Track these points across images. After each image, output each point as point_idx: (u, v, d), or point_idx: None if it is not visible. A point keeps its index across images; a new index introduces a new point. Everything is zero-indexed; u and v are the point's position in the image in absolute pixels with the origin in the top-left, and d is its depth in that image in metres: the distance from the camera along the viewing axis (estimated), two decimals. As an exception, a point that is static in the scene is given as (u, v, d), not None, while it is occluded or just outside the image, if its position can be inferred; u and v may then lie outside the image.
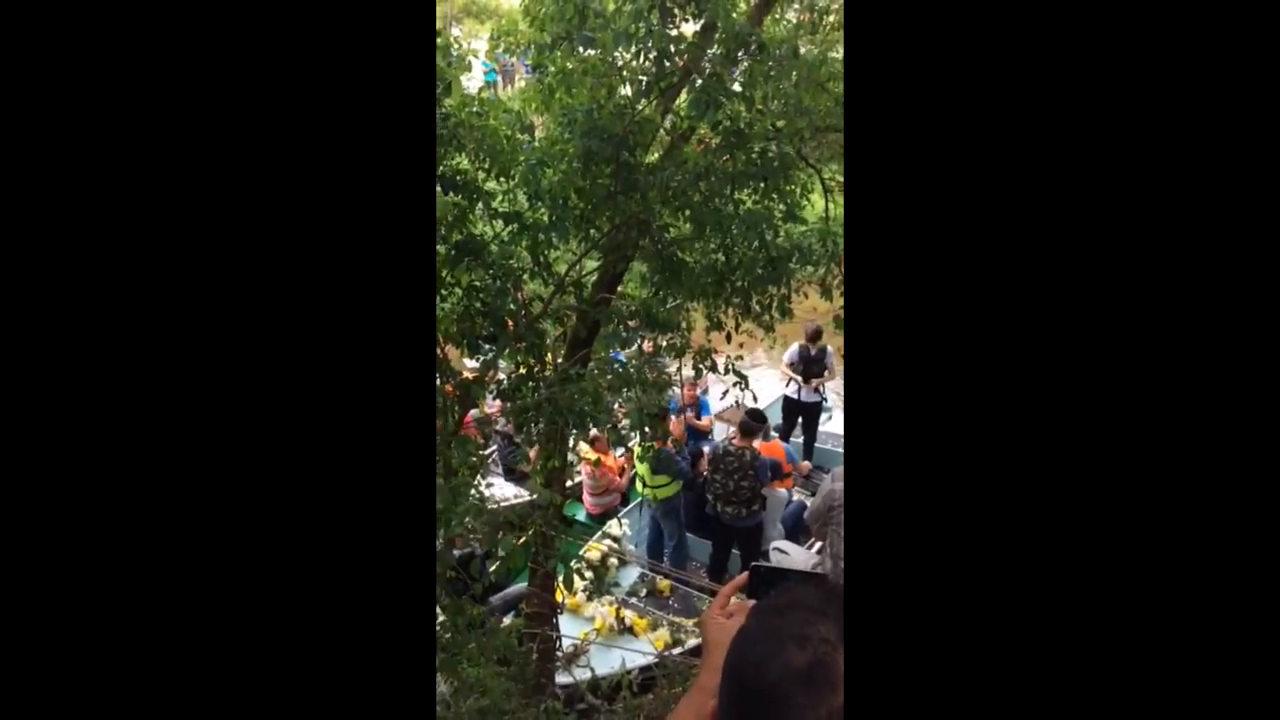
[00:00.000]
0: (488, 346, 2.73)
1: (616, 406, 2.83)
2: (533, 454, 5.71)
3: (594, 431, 5.60)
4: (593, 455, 5.28)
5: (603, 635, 3.93)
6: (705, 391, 5.94)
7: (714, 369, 2.50)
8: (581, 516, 5.28)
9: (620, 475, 5.35)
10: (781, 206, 2.38)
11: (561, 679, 3.46)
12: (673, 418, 5.14)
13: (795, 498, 5.10)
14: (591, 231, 2.43)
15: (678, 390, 5.58)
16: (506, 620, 3.66)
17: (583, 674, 3.45)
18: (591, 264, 2.60)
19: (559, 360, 2.68)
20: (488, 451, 5.77)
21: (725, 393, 2.70)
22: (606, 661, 3.57)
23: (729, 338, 2.56)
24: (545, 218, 2.47)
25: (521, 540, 4.11)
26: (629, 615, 4.09)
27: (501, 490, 5.17)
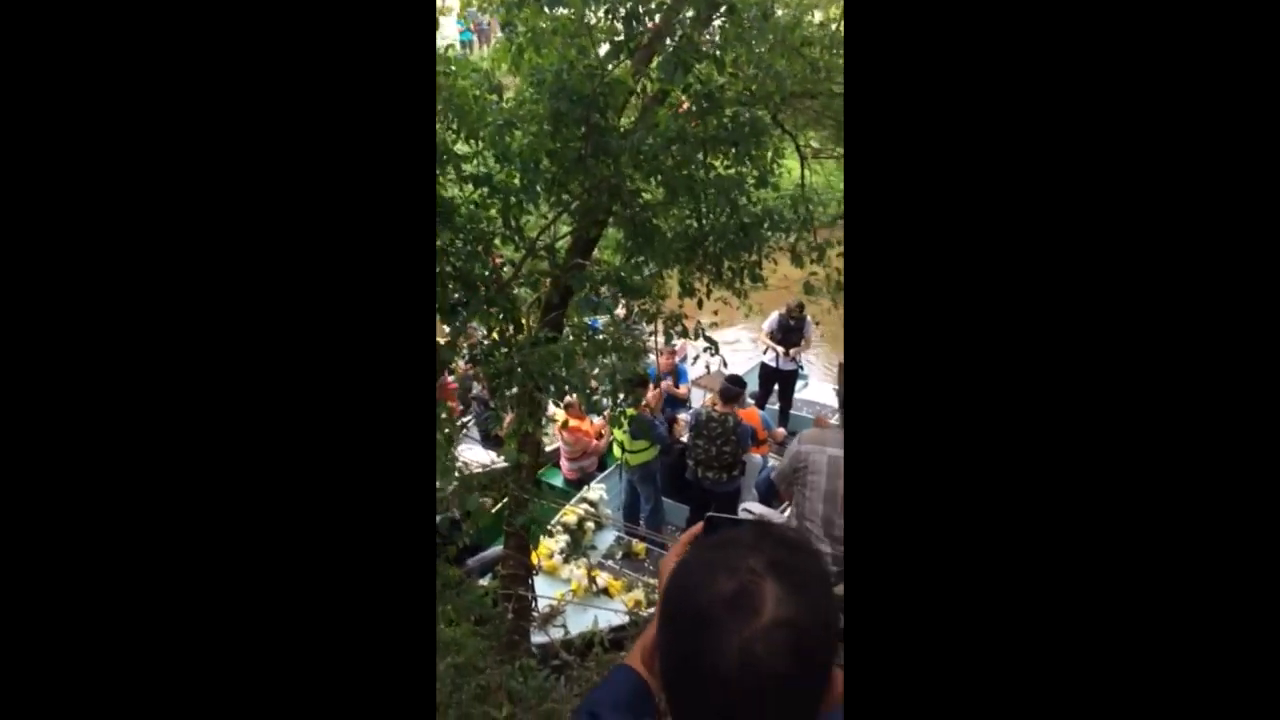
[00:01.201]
0: (460, 311, 2.72)
1: (594, 373, 2.85)
2: (508, 420, 5.75)
3: (569, 397, 5.63)
4: (569, 421, 5.32)
5: (578, 596, 4.00)
6: (684, 360, 5.97)
7: (685, 334, 2.51)
8: (558, 482, 5.33)
9: (597, 439, 5.39)
10: (755, 173, 2.38)
11: (537, 638, 3.53)
12: (651, 386, 5.18)
13: (770, 463, 5.17)
14: (563, 196, 2.41)
15: (655, 358, 5.61)
16: (483, 582, 3.72)
17: (557, 634, 3.52)
18: (565, 228, 2.58)
19: (532, 326, 2.68)
20: (464, 419, 5.77)
21: (696, 358, 2.71)
22: (581, 622, 3.63)
23: (700, 304, 2.57)
24: (516, 181, 2.44)
25: (496, 506, 4.16)
26: (604, 577, 4.16)
27: (477, 456, 5.20)
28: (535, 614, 3.60)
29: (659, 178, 2.38)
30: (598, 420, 5.57)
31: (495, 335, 2.68)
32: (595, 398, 2.88)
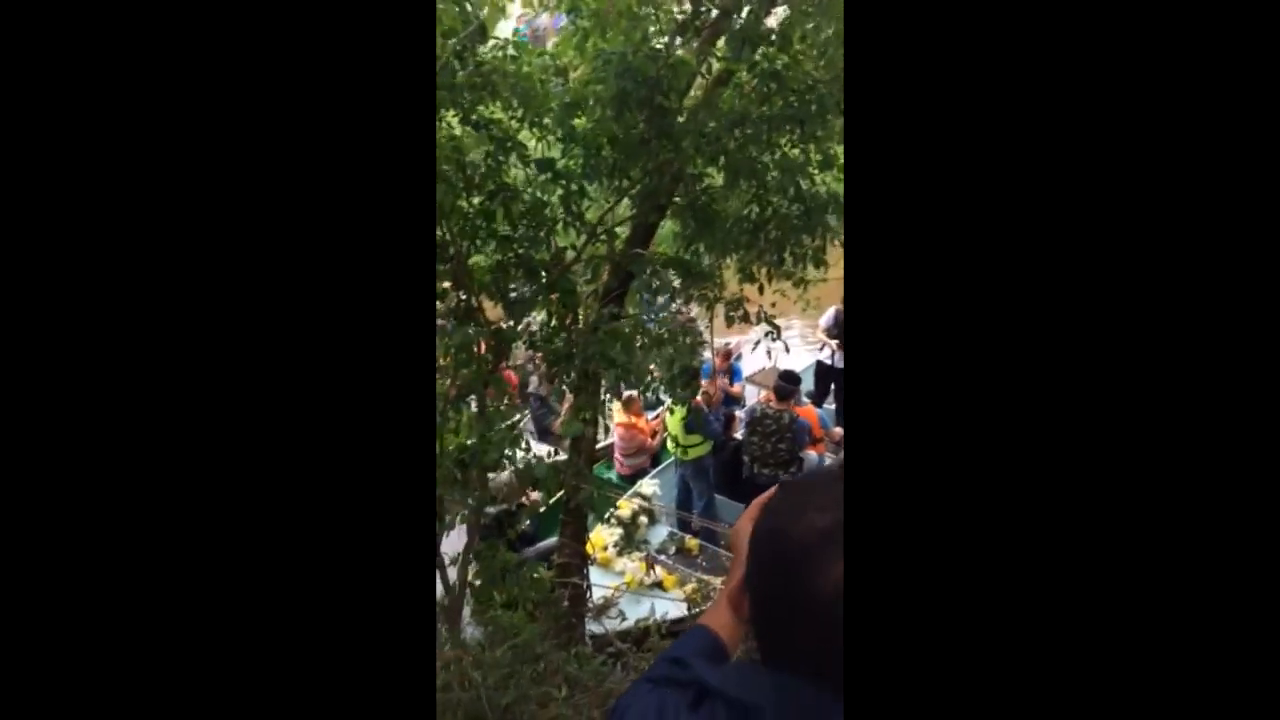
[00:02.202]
0: (521, 297, 2.76)
1: (651, 367, 2.84)
2: (566, 408, 5.80)
3: (627, 393, 5.65)
4: (625, 417, 5.33)
5: (632, 589, 4.00)
6: (738, 358, 5.93)
7: (746, 319, 2.49)
8: (613, 477, 5.35)
9: (652, 438, 5.39)
10: (819, 155, 2.34)
11: (592, 628, 3.54)
12: (705, 381, 5.16)
13: (828, 461, 5.08)
14: (624, 181, 2.42)
15: (709, 354, 5.58)
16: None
17: (612, 625, 3.53)
18: (625, 213, 2.59)
19: (590, 313, 2.70)
20: (519, 416, 5.86)
21: (756, 344, 2.68)
22: (636, 614, 3.63)
23: (761, 289, 2.54)
24: (578, 166, 2.46)
25: (553, 498, 4.19)
26: (659, 571, 4.15)
27: (534, 450, 5.25)
28: (590, 604, 3.62)
29: (722, 160, 2.37)
30: (652, 418, 5.58)
31: (554, 322, 2.71)
32: (655, 386, 2.88)
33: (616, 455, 5.34)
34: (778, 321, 2.64)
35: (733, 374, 5.89)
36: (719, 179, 2.49)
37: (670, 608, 3.76)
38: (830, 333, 5.67)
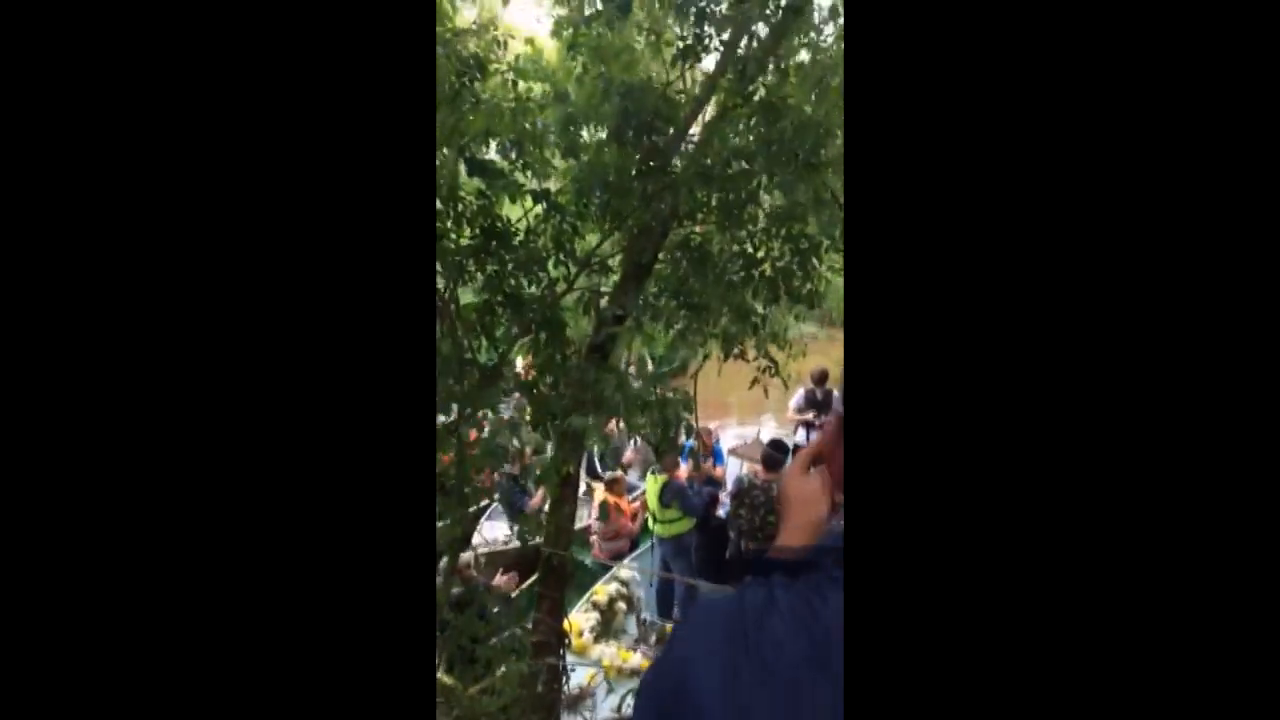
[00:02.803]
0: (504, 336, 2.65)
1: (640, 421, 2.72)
2: (537, 499, 5.55)
3: (610, 474, 5.44)
4: (608, 497, 5.11)
5: (611, 677, 3.67)
6: (718, 442, 5.81)
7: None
8: (588, 561, 5.05)
9: (632, 520, 5.15)
10: (810, 192, 2.36)
11: None
12: (684, 466, 5.00)
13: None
14: (618, 216, 2.40)
15: (692, 434, 5.46)
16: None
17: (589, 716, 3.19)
18: (618, 248, 2.55)
19: (580, 353, 2.60)
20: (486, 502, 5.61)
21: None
22: (612, 704, 3.30)
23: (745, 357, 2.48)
24: (572, 202, 2.44)
25: (525, 584, 3.90)
26: (637, 659, 3.82)
27: (500, 532, 4.98)
28: (565, 691, 3.28)
29: (716, 198, 2.36)
30: (634, 501, 5.36)
31: (538, 365, 2.59)
32: (641, 436, 2.74)
33: (593, 537, 5.07)
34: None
35: (714, 456, 5.75)
36: (712, 219, 2.48)
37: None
38: (803, 411, 5.62)
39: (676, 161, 2.30)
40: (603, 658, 3.77)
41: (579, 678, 3.52)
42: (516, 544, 4.46)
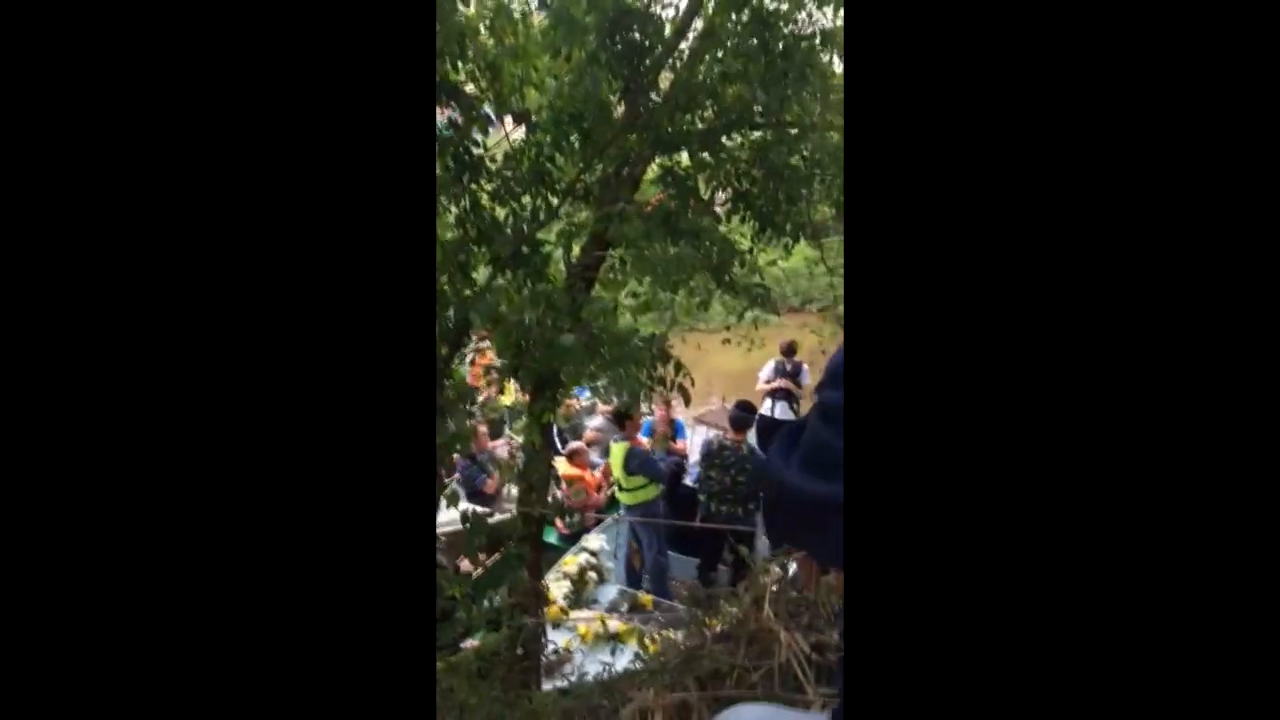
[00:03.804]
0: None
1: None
2: (494, 480, 5.39)
3: (571, 445, 5.33)
4: (570, 469, 5.00)
5: (588, 643, 3.56)
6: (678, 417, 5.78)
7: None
8: (553, 539, 4.92)
9: (597, 492, 5.05)
10: (803, 116, 2.32)
11: (547, 685, 3.07)
12: (644, 439, 4.94)
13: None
14: (600, 140, 2.30)
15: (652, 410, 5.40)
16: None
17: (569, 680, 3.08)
18: (598, 175, 2.45)
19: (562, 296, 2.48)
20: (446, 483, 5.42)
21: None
22: (592, 670, 3.20)
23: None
24: (550, 128, 2.33)
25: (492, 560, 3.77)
26: (614, 623, 3.73)
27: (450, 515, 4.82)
28: (545, 657, 3.17)
29: (701, 123, 2.30)
30: (597, 473, 5.26)
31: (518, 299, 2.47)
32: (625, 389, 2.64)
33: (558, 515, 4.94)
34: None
35: (675, 430, 5.71)
36: (696, 145, 2.41)
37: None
38: (769, 381, 5.64)
39: (663, 78, 2.22)
40: (578, 625, 3.67)
41: (556, 644, 3.40)
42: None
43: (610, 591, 4.38)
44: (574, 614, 3.82)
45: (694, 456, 5.56)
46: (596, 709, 1.70)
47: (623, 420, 4.47)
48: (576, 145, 2.40)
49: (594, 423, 6.18)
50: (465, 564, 4.24)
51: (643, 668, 2.94)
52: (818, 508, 0.58)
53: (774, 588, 1.99)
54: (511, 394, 5.68)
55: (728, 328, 2.74)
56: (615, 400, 5.13)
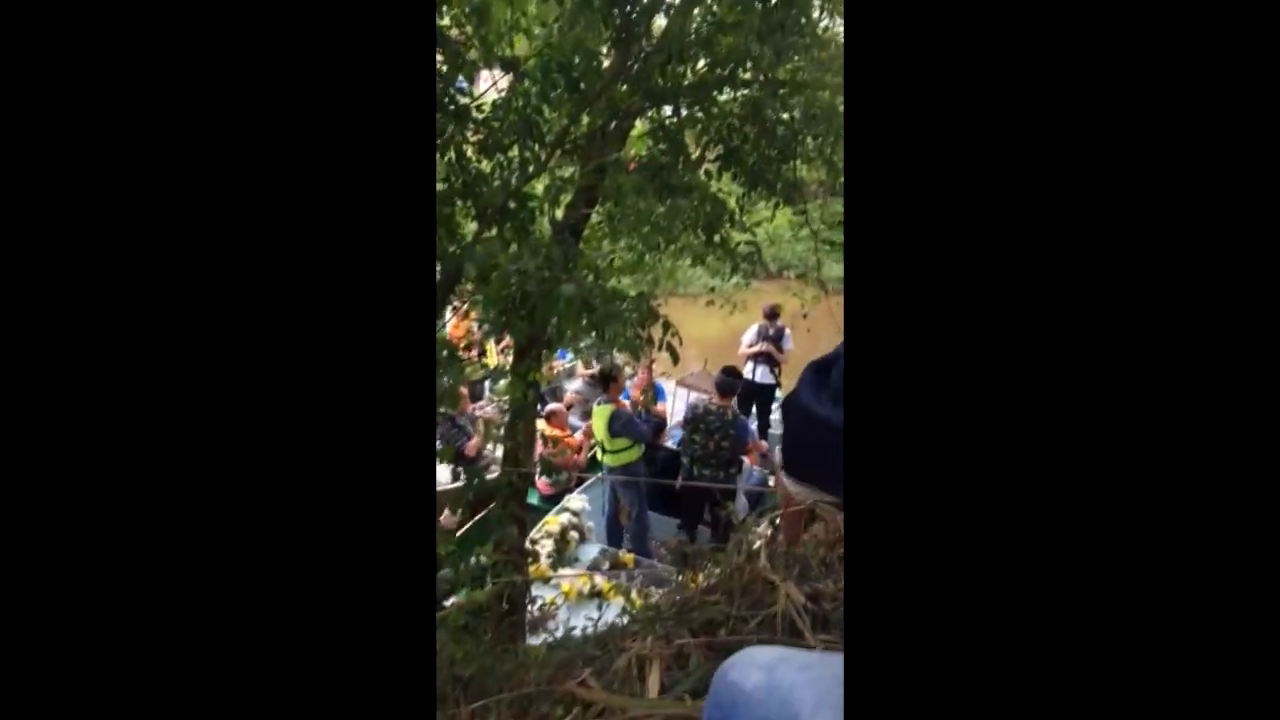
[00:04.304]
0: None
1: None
2: (475, 441, 5.38)
3: (550, 406, 5.32)
4: (550, 431, 5.00)
5: (571, 599, 3.61)
6: (658, 381, 5.78)
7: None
8: (535, 500, 4.94)
9: (578, 453, 5.07)
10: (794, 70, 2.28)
11: (533, 640, 3.11)
12: (624, 402, 4.94)
13: (755, 472, 4.96)
14: (590, 92, 2.24)
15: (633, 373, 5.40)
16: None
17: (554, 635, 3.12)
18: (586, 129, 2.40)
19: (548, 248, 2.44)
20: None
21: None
22: (579, 626, 3.25)
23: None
24: (538, 78, 2.26)
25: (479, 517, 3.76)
26: (598, 580, 3.78)
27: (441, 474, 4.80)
28: (530, 613, 3.20)
29: (692, 75, 2.25)
30: (578, 435, 5.27)
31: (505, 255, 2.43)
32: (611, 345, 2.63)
33: (537, 474, 4.95)
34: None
35: (656, 393, 5.72)
36: (686, 100, 2.36)
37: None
38: (752, 345, 5.66)
39: (656, 27, 2.16)
40: (561, 583, 3.71)
41: (539, 601, 3.43)
42: (459, 484, 4.30)
43: (591, 551, 4.43)
44: (557, 572, 3.86)
45: (674, 420, 5.59)
46: (590, 659, 1.72)
47: (608, 382, 4.47)
48: (565, 96, 2.34)
49: (574, 385, 6.17)
50: (445, 519, 4.26)
51: (633, 620, 2.99)
52: None
53: (760, 542, 2.02)
54: (493, 356, 5.63)
55: (712, 289, 2.72)
56: (598, 362, 5.11)
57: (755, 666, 0.80)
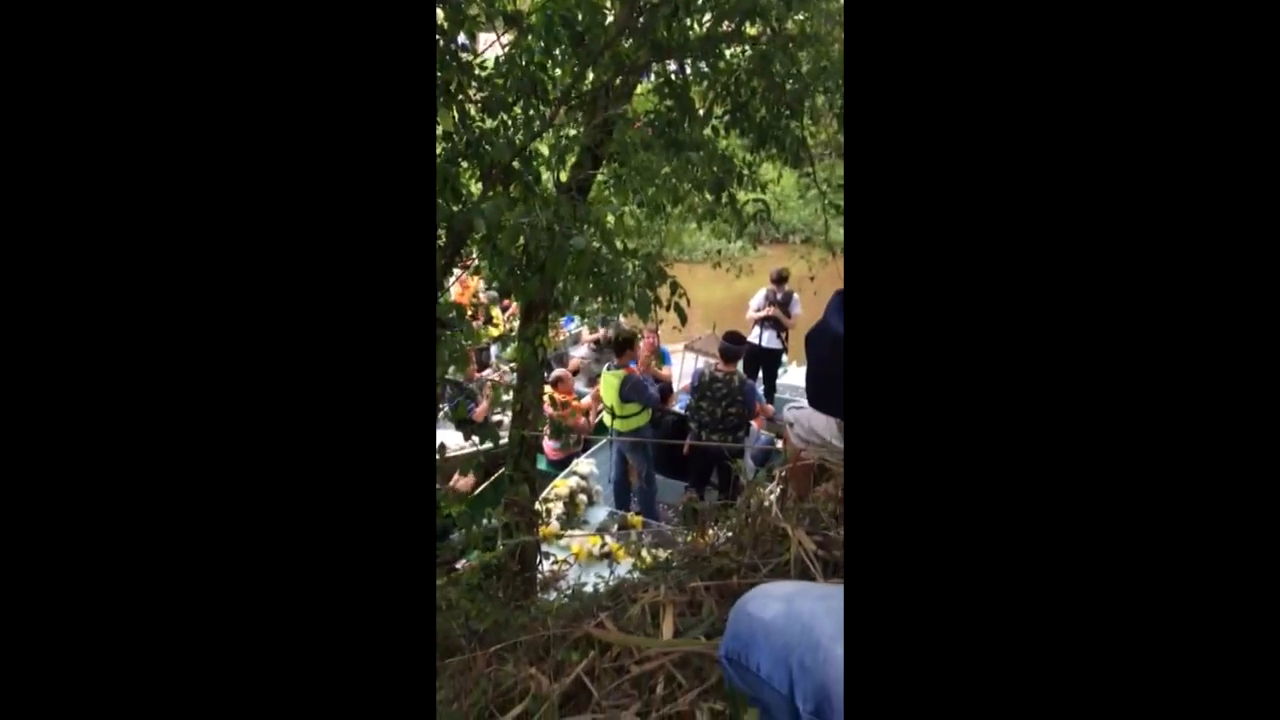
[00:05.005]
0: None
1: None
2: (483, 408, 5.41)
3: (556, 372, 5.34)
4: (557, 396, 5.02)
5: (581, 560, 3.66)
6: (662, 344, 5.78)
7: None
8: (542, 465, 4.98)
9: (585, 417, 5.09)
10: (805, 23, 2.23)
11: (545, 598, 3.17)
12: (633, 367, 4.95)
13: (763, 436, 4.98)
14: (594, 49, 2.20)
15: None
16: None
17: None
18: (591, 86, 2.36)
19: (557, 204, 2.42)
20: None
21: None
22: (590, 584, 3.30)
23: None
24: (542, 35, 2.23)
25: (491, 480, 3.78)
26: (608, 542, 3.82)
27: (454, 439, 4.84)
28: (541, 572, 3.25)
29: (702, 21, 2.20)
30: (586, 399, 5.29)
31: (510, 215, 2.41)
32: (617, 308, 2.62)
33: (546, 440, 4.99)
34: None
35: (661, 357, 5.73)
36: (690, 56, 2.32)
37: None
38: (760, 309, 5.65)
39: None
40: (571, 544, 3.76)
41: (549, 564, 3.49)
42: (470, 448, 4.33)
43: (600, 513, 4.48)
44: (566, 534, 3.91)
45: (680, 384, 5.60)
46: (604, 608, 1.75)
47: (623, 347, 4.47)
48: (569, 51, 2.30)
49: (579, 352, 6.18)
50: (460, 482, 4.30)
51: (645, 573, 3.04)
52: None
53: (773, 496, 2.04)
54: (500, 322, 5.62)
55: (719, 251, 2.70)
56: (604, 328, 5.08)
57: (773, 598, 0.82)
